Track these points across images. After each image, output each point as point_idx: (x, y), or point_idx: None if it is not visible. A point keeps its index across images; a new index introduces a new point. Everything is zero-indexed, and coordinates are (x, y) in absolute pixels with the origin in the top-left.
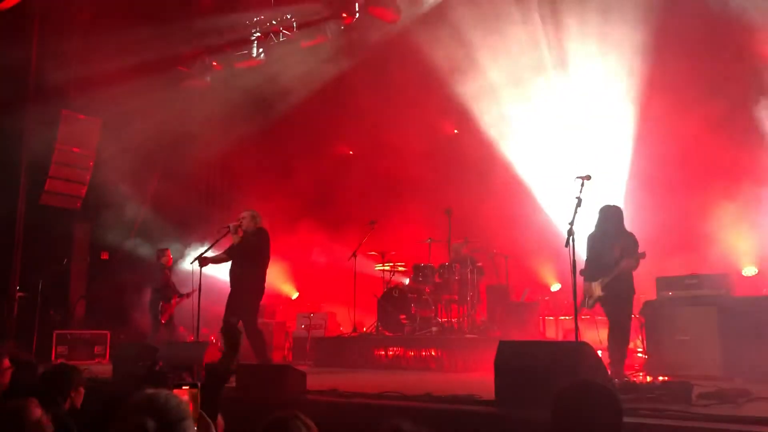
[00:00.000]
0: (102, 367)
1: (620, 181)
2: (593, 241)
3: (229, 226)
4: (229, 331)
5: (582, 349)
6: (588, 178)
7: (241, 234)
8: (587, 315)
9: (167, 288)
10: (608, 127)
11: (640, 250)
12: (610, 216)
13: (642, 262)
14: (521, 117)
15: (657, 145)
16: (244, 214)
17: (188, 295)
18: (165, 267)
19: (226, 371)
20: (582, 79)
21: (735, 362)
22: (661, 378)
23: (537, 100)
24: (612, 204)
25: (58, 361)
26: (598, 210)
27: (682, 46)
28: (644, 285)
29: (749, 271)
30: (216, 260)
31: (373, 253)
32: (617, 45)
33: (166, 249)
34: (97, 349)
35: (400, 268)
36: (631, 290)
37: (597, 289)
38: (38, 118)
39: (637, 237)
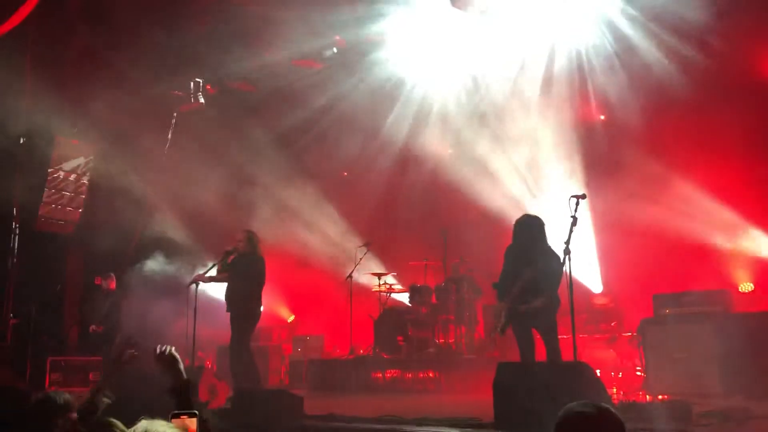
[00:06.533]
0: None
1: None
2: (509, 256)
3: (226, 251)
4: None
5: (580, 369)
6: (583, 197)
7: (236, 253)
8: (584, 334)
9: None
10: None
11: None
12: (527, 229)
13: (638, 279)
14: (514, 137)
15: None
16: (241, 235)
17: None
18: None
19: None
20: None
21: (734, 379)
22: (660, 397)
23: (530, 119)
24: (531, 214)
25: (52, 388)
26: (515, 222)
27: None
28: (641, 302)
29: (746, 287)
30: (212, 279)
31: (368, 274)
32: None
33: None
34: (92, 375)
35: (397, 288)
36: (552, 307)
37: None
38: (32, 143)
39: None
